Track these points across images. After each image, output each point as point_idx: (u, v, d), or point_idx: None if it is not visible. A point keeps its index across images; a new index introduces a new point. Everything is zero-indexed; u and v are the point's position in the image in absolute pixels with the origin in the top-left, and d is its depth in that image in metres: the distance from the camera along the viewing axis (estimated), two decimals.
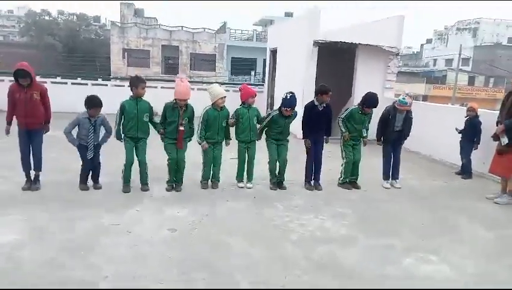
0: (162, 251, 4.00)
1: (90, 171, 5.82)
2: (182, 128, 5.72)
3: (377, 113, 6.66)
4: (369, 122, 6.56)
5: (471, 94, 39.24)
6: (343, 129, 6.40)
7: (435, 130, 9.03)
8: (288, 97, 6.01)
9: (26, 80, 5.26)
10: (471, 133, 7.46)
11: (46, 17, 39.97)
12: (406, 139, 6.82)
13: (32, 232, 4.25)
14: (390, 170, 6.79)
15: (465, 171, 7.59)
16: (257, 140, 6.31)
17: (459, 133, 7.65)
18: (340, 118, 6.44)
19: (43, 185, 5.73)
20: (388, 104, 6.84)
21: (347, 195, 6.13)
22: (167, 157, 5.89)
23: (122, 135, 5.71)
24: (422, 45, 59.59)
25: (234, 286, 3.47)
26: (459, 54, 36.59)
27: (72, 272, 3.51)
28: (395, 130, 6.59)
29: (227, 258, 3.94)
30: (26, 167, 5.63)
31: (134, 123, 5.64)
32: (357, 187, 6.53)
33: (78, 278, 3.42)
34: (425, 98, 36.28)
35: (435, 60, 52.27)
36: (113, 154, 6.35)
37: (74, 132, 5.63)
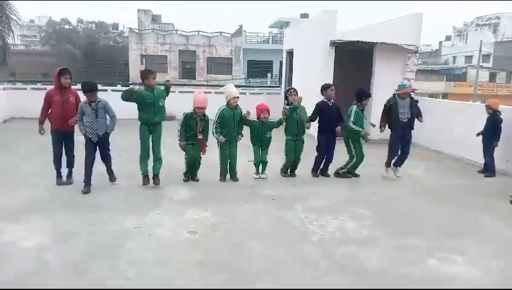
0: (183, 253, 4.03)
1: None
2: (200, 136, 6.29)
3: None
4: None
5: (493, 91, 38.38)
6: (359, 129, 6.64)
7: (457, 128, 8.87)
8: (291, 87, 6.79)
9: (69, 77, 5.82)
10: (491, 131, 7.30)
11: (66, 26, 40.94)
12: (421, 117, 6.95)
13: (56, 236, 4.34)
14: (393, 160, 7.00)
15: (488, 169, 7.45)
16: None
17: (480, 134, 7.48)
18: (351, 122, 6.64)
19: (66, 189, 5.89)
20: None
21: (366, 196, 6.07)
22: (185, 155, 6.39)
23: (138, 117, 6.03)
24: (441, 42, 58.60)
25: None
26: (480, 50, 35.86)
27: (96, 275, 3.57)
28: (401, 120, 6.72)
29: (248, 260, 3.95)
30: (58, 165, 6.10)
31: (151, 109, 5.92)
32: (356, 175, 6.99)
33: (101, 280, 3.47)
34: (445, 95, 35.66)
35: (455, 57, 51.32)
36: (131, 158, 6.45)
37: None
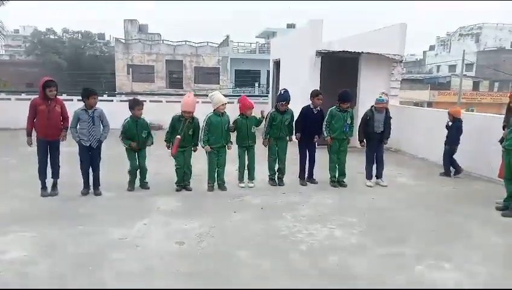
0: (171, 264, 3.98)
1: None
2: (178, 136, 6.16)
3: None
4: (351, 123, 6.95)
5: (476, 99, 39.09)
6: (325, 134, 6.89)
7: (441, 135, 8.97)
8: (282, 92, 6.76)
9: (54, 89, 5.75)
10: (450, 136, 7.84)
11: (51, 36, 40.59)
12: (387, 139, 7.19)
13: (41, 248, 4.25)
14: (373, 170, 7.21)
15: (445, 169, 7.98)
16: (264, 143, 6.87)
17: (446, 128, 7.96)
18: (324, 123, 6.91)
19: (52, 201, 5.79)
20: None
21: (355, 203, 6.09)
22: (175, 163, 6.39)
23: (123, 142, 6.29)
24: (425, 52, 59.61)
25: None
26: (463, 60, 36.56)
27: (81, 288, 3.50)
28: (376, 132, 6.98)
29: (237, 270, 3.91)
30: (43, 176, 6.02)
31: (134, 139, 6.25)
32: (344, 185, 7.02)
33: None
34: (430, 104, 36.17)
35: (439, 67, 52.24)
36: (118, 169, 6.40)
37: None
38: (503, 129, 6.28)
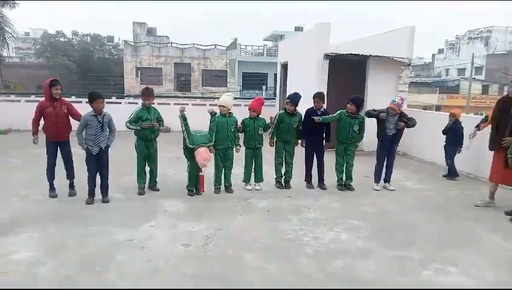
0: (177, 266, 3.99)
1: (96, 185, 5.97)
2: (201, 173, 6.30)
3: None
4: (360, 129, 6.87)
5: (485, 103, 38.71)
6: (320, 119, 6.79)
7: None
8: (292, 93, 6.88)
9: (59, 88, 5.83)
10: (454, 138, 7.96)
11: (61, 39, 40.99)
12: (407, 125, 6.94)
13: (47, 249, 4.28)
14: (382, 174, 7.16)
15: (451, 172, 8.06)
16: (270, 144, 6.91)
17: (444, 134, 8.16)
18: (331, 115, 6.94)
19: (59, 202, 5.84)
20: None
21: (361, 207, 6.06)
22: (188, 163, 6.32)
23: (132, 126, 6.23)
24: (433, 55, 59.23)
25: None
26: (472, 63, 36.27)
27: (87, 288, 3.52)
28: (387, 134, 6.93)
29: (242, 272, 3.91)
30: (51, 177, 6.06)
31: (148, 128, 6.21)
32: (351, 189, 6.99)
33: None
34: (438, 108, 35.90)
35: (447, 70, 51.86)
36: (125, 171, 6.43)
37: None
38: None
